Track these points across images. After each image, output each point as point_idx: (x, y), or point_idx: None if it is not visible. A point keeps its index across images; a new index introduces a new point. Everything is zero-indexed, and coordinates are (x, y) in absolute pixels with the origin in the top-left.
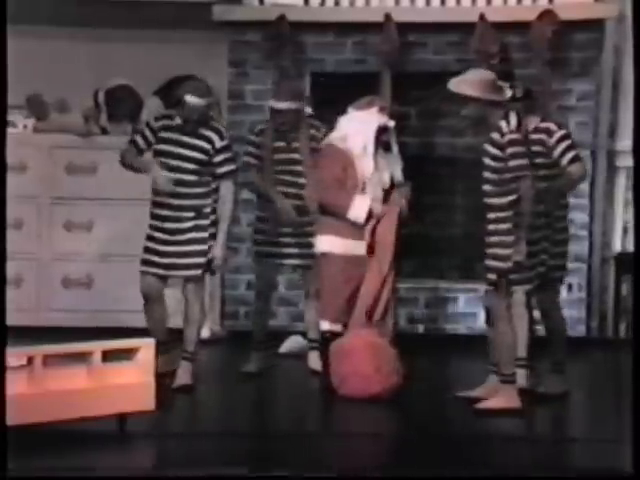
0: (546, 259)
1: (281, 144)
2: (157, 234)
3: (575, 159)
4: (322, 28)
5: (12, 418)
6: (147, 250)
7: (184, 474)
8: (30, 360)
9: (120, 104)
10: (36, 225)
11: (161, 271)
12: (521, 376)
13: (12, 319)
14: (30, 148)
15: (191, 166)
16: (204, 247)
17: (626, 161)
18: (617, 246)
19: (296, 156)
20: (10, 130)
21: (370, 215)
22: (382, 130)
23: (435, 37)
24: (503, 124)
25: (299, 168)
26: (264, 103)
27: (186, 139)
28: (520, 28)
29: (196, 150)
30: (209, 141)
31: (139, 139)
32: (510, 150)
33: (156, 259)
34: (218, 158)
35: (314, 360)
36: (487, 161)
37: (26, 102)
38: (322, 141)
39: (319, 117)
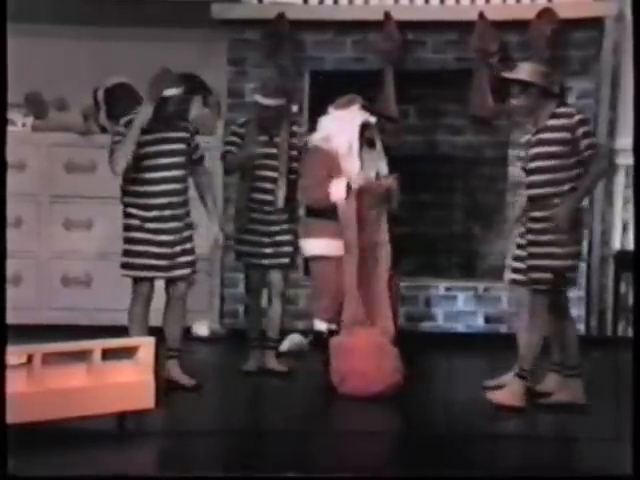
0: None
1: (263, 138)
2: (157, 237)
3: None
4: (321, 26)
5: (12, 416)
6: (143, 255)
7: (184, 475)
8: (30, 358)
9: (119, 102)
10: (35, 223)
11: (162, 274)
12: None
13: (11, 317)
14: (29, 146)
15: (180, 160)
16: (194, 244)
17: (625, 159)
18: (616, 244)
19: (275, 151)
20: (9, 128)
21: (349, 188)
22: (365, 127)
23: (434, 36)
24: (569, 109)
25: (276, 163)
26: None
27: (168, 134)
28: (519, 27)
29: (180, 142)
30: (186, 130)
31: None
32: (582, 129)
33: (158, 262)
34: (193, 143)
35: (271, 360)
36: (548, 149)
37: (25, 100)
38: (303, 138)
39: (318, 116)
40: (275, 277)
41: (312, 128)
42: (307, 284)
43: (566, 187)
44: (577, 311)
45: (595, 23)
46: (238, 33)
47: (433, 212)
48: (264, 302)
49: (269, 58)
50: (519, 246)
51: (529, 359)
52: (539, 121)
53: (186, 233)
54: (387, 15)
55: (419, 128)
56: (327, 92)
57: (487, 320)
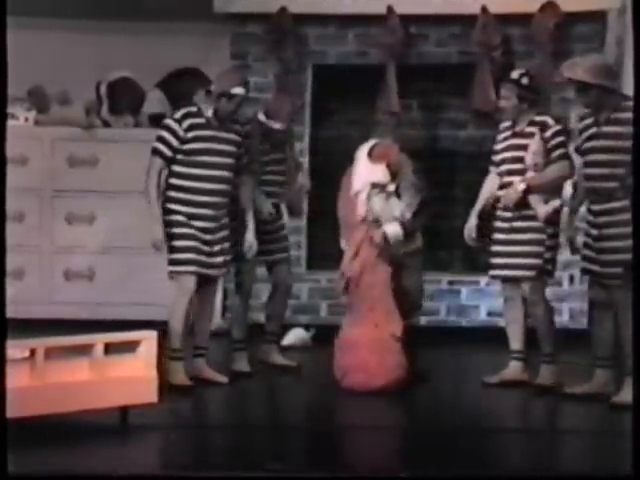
0: (542, 251)
1: (267, 146)
2: (202, 235)
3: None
4: (324, 20)
5: (14, 411)
6: (188, 250)
7: (186, 474)
8: (32, 353)
9: (122, 96)
10: (38, 218)
11: (204, 270)
12: (519, 369)
13: (14, 312)
14: (31, 141)
15: (229, 161)
16: (229, 244)
17: None
18: None
19: (280, 155)
20: (11, 122)
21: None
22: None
23: (437, 29)
24: (632, 102)
25: (283, 167)
26: (266, 96)
27: (221, 134)
28: (522, 20)
29: (231, 144)
30: (238, 133)
31: (164, 148)
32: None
33: (200, 258)
34: (244, 147)
35: (276, 355)
36: (603, 143)
37: (28, 94)
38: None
39: (321, 110)
40: (282, 270)
41: (315, 122)
42: (310, 278)
43: (629, 181)
44: (580, 305)
45: (598, 17)
46: (241, 27)
47: (435, 206)
48: (262, 298)
49: (272, 52)
50: (498, 242)
51: (610, 347)
52: (602, 115)
53: (223, 233)
54: (390, 9)
55: (421, 122)
56: (330, 86)
57: (490, 314)
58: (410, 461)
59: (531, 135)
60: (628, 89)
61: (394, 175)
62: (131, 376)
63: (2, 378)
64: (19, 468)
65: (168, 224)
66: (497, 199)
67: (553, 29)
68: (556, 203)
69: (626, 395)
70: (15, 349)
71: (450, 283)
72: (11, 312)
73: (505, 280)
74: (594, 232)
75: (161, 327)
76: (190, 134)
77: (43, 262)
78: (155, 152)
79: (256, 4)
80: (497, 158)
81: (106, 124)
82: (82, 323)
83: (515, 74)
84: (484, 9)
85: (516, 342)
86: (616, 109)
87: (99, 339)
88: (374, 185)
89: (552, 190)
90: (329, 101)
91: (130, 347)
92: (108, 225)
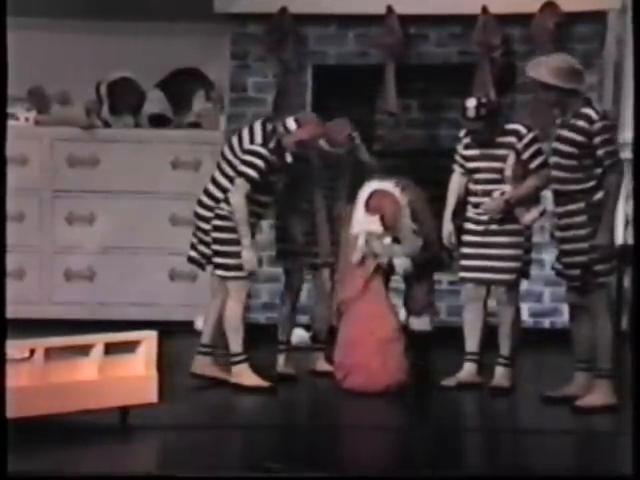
0: (521, 254)
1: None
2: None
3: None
4: (324, 20)
5: (14, 411)
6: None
7: (186, 474)
8: (32, 353)
9: (122, 97)
10: (38, 218)
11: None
12: (474, 371)
13: (14, 312)
14: (32, 141)
15: None
16: None
17: (629, 153)
18: (619, 239)
19: (333, 174)
20: (11, 123)
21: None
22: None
23: (437, 29)
24: (591, 112)
25: (333, 184)
26: (266, 96)
27: None
28: (522, 20)
29: None
30: None
31: (255, 174)
32: (601, 137)
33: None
34: None
35: (324, 363)
36: (561, 147)
37: (28, 94)
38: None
39: (321, 110)
40: (324, 273)
41: None
42: (309, 279)
43: (590, 184)
44: None
45: (598, 16)
46: (241, 27)
47: (435, 206)
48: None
49: (272, 52)
50: (471, 244)
51: (606, 356)
52: (565, 118)
53: None
54: (389, 9)
55: (422, 122)
56: (330, 86)
57: (489, 314)
58: (409, 461)
59: (505, 145)
60: (630, 88)
61: (389, 227)
62: (131, 376)
63: (2, 378)
64: (19, 468)
65: (228, 229)
66: (466, 200)
67: (553, 29)
68: (539, 209)
69: (593, 399)
70: (15, 349)
71: (450, 283)
72: (11, 312)
73: (478, 283)
74: (558, 234)
75: (161, 327)
76: (278, 164)
77: (43, 262)
78: (248, 179)
79: (256, 4)
80: (468, 165)
81: (106, 124)
82: (82, 323)
83: (471, 112)
84: (484, 9)
85: (473, 344)
86: (575, 114)
87: (99, 339)
88: (370, 233)
89: (533, 198)
90: (329, 101)
91: (130, 347)
92: (108, 225)
